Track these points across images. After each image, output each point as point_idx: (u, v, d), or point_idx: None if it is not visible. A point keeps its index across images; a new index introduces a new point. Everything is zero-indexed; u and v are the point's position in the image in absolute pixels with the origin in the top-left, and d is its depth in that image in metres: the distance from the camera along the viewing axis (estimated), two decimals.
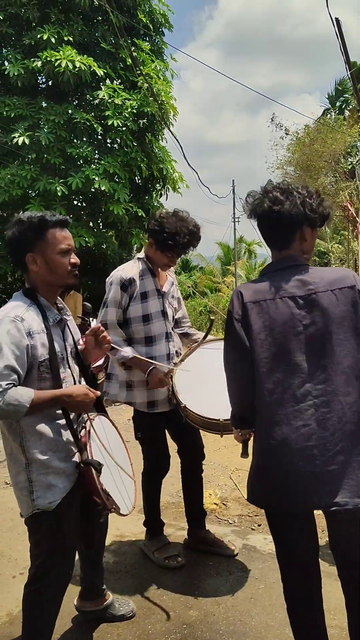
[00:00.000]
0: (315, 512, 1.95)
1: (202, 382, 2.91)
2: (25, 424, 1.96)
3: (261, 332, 1.86)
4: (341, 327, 1.82)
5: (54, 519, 2.03)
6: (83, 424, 2.17)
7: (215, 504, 3.95)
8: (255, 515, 3.78)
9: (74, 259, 2.08)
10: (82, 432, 2.14)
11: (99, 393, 2.08)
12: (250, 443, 2.07)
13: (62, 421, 2.06)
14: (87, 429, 2.13)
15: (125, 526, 3.61)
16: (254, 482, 1.96)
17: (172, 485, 3.91)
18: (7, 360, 1.84)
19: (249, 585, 2.87)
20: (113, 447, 2.29)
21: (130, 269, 2.97)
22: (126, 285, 2.91)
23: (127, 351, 2.87)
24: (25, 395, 1.84)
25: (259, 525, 3.61)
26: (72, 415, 2.10)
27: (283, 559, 2.00)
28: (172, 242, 2.86)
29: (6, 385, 1.82)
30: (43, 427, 1.99)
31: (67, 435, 2.07)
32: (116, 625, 2.58)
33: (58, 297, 2.18)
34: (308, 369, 1.82)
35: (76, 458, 2.10)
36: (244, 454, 2.24)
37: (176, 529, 3.50)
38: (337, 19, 7.04)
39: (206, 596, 2.77)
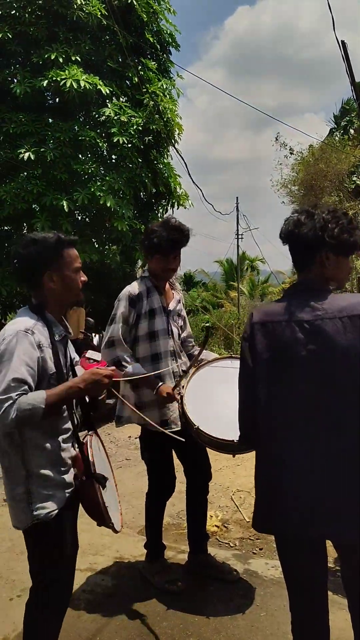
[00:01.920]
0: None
1: (211, 402, 2.91)
2: (27, 438, 1.99)
3: (264, 352, 1.86)
4: (346, 355, 1.77)
5: (53, 530, 2.04)
6: (82, 440, 2.20)
7: (216, 526, 3.89)
8: (257, 539, 3.72)
9: (84, 276, 2.18)
10: (84, 447, 2.17)
11: (111, 369, 2.09)
12: None
13: (64, 435, 2.10)
14: (89, 444, 2.16)
15: (124, 548, 3.56)
16: (256, 508, 1.94)
17: (173, 505, 3.85)
18: (16, 373, 1.86)
19: (250, 613, 2.81)
20: (103, 465, 2.32)
21: (137, 287, 2.99)
22: (135, 300, 2.92)
23: (135, 368, 2.86)
24: (37, 397, 1.86)
25: (261, 549, 3.56)
26: (70, 433, 2.13)
27: (290, 588, 1.96)
28: (160, 240, 2.88)
29: (16, 395, 1.84)
30: (44, 442, 2.02)
31: (67, 449, 2.11)
32: None
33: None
34: (310, 396, 1.79)
35: (73, 470, 2.13)
36: None
37: (177, 552, 3.45)
38: (343, 42, 7.13)
39: (206, 624, 2.72)
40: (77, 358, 2.35)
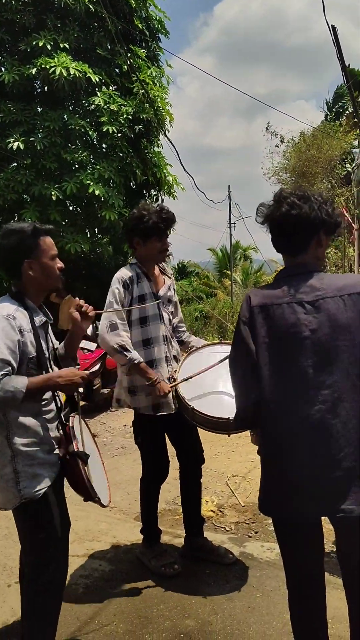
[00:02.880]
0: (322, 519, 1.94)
1: (204, 384, 2.93)
2: (11, 418, 2.06)
3: (266, 336, 1.86)
4: (348, 334, 1.80)
5: (42, 508, 2.10)
6: (65, 421, 2.28)
7: (212, 511, 3.93)
8: (252, 523, 3.76)
9: (60, 263, 2.24)
10: (67, 427, 2.25)
11: (86, 373, 2.21)
12: None
13: (48, 415, 2.18)
14: (71, 424, 2.24)
15: (121, 533, 3.59)
16: (262, 491, 1.95)
17: (168, 492, 3.88)
18: (1, 354, 1.94)
19: (247, 594, 2.85)
20: (88, 444, 2.37)
21: (127, 272, 3.00)
22: (127, 284, 2.95)
23: (136, 356, 2.87)
24: (20, 382, 1.94)
25: (256, 533, 3.59)
26: (55, 412, 2.22)
27: (289, 568, 1.98)
28: (150, 222, 2.92)
29: (1, 375, 1.91)
30: (28, 421, 2.09)
31: (51, 429, 2.18)
32: (112, 634, 2.56)
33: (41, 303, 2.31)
34: (313, 375, 1.80)
35: (57, 451, 2.20)
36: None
37: (173, 537, 3.48)
38: (333, 26, 7.09)
39: (203, 605, 2.75)
40: (58, 345, 2.42)
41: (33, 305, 2.19)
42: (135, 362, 2.85)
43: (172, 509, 3.97)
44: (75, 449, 2.16)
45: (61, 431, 2.23)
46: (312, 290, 1.86)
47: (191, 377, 2.96)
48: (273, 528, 3.58)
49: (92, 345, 7.22)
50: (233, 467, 4.84)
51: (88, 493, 2.18)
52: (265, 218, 1.97)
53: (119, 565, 3.19)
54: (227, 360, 2.93)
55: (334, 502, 1.76)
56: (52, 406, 2.21)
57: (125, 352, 2.84)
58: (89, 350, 7.24)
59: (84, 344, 7.15)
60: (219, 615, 2.67)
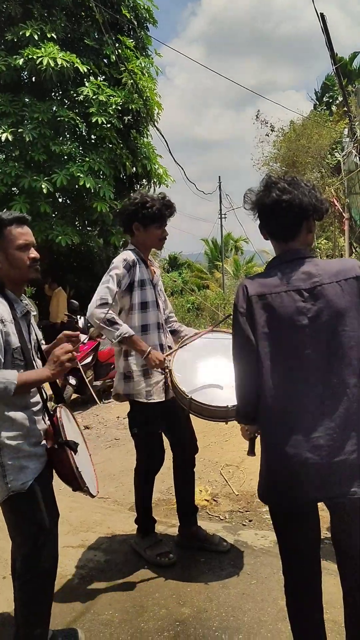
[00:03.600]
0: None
1: (198, 372, 2.93)
2: None
3: (266, 325, 1.84)
4: (346, 318, 1.81)
5: (30, 500, 2.11)
6: (52, 411, 2.27)
7: (205, 500, 3.94)
8: (246, 511, 3.78)
9: (33, 253, 2.17)
10: (54, 418, 2.24)
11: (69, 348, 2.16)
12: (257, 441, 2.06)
13: (35, 408, 2.17)
14: (58, 414, 2.22)
15: (116, 524, 3.60)
16: (264, 479, 1.94)
17: (162, 482, 3.89)
18: None
19: (241, 581, 2.86)
20: (76, 435, 2.38)
21: (131, 255, 2.98)
22: (130, 265, 2.92)
23: (126, 329, 2.84)
24: (10, 375, 1.94)
25: (250, 521, 3.61)
26: (41, 404, 2.21)
27: (286, 554, 1.98)
28: (154, 209, 2.92)
29: None
30: (14, 414, 2.08)
31: (38, 421, 2.18)
32: (108, 624, 2.56)
33: (23, 294, 2.28)
34: (314, 361, 1.81)
35: (44, 442, 2.20)
36: (251, 452, 2.22)
37: (167, 526, 3.49)
38: (322, 14, 7.06)
39: (198, 593, 2.76)
40: (41, 337, 2.41)
41: (14, 296, 2.16)
42: (126, 335, 2.82)
43: (166, 498, 3.98)
44: (65, 439, 2.16)
45: (48, 422, 2.22)
46: (309, 277, 1.86)
47: (185, 344, 2.98)
48: (267, 516, 3.63)
49: (83, 337, 7.20)
50: (226, 457, 4.86)
51: (77, 483, 2.17)
52: (256, 203, 1.96)
53: (113, 556, 3.20)
54: (219, 346, 2.95)
55: (338, 486, 1.77)
56: (38, 398, 2.20)
57: (116, 325, 2.80)
58: (81, 342, 7.21)
59: None
60: (214, 602, 2.68)
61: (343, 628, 2.04)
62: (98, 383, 7.33)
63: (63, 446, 2.14)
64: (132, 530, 3.33)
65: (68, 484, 2.21)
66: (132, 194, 3.08)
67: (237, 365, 1.94)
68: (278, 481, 1.87)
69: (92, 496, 2.30)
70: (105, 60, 9.74)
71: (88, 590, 2.85)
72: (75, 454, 2.15)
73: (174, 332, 3.26)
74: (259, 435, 2.12)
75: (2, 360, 1.99)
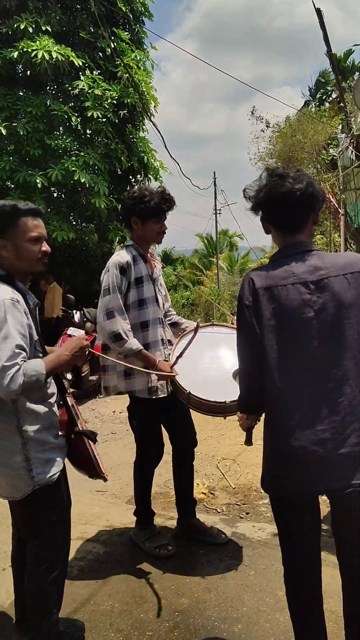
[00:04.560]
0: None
1: (197, 367, 2.94)
2: (20, 405, 2.02)
3: (272, 318, 1.84)
4: (351, 311, 1.82)
5: (55, 492, 2.13)
6: (62, 402, 2.28)
7: (203, 493, 3.96)
8: (244, 504, 3.80)
9: (45, 247, 2.14)
10: (70, 407, 2.27)
11: (85, 336, 2.23)
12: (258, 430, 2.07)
13: (52, 399, 2.17)
14: (71, 404, 2.24)
15: (114, 517, 3.61)
16: (268, 469, 1.95)
17: (159, 475, 3.89)
18: (16, 340, 1.90)
19: (240, 572, 2.89)
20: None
21: (125, 255, 2.96)
22: (124, 268, 2.90)
23: (134, 343, 2.85)
24: (38, 364, 1.94)
25: (247, 514, 3.64)
26: (56, 395, 2.22)
27: (287, 544, 1.99)
28: (152, 203, 2.90)
29: (21, 361, 1.89)
30: (37, 407, 2.07)
31: (56, 413, 2.19)
32: (108, 614, 2.58)
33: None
34: (319, 354, 1.81)
35: (61, 433, 2.21)
36: (249, 441, 2.23)
37: (165, 519, 3.51)
38: (318, 9, 7.05)
39: (197, 584, 2.79)
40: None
41: (24, 287, 2.13)
42: (135, 349, 2.83)
43: (163, 492, 4.00)
44: (81, 429, 2.18)
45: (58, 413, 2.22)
46: (316, 270, 1.86)
47: (184, 351, 2.95)
48: (265, 509, 3.66)
49: (79, 332, 7.20)
50: (223, 450, 4.88)
51: (95, 471, 2.20)
52: (266, 194, 1.94)
53: (112, 548, 3.21)
54: (218, 340, 2.95)
55: (343, 478, 1.78)
56: (54, 389, 2.20)
57: (122, 341, 2.81)
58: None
59: (71, 330, 7.12)
60: (212, 593, 2.71)
61: (341, 618, 2.07)
62: (94, 378, 7.33)
63: (80, 436, 2.16)
64: (131, 522, 3.35)
65: (85, 471, 2.25)
66: (129, 189, 3.07)
67: (242, 358, 1.95)
68: (283, 472, 1.88)
69: (106, 480, 2.34)
70: (100, 54, 9.66)
71: (88, 582, 2.87)
72: (94, 443, 2.18)
73: (174, 325, 3.26)
74: (256, 425, 2.14)
75: (28, 353, 1.96)
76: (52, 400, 2.17)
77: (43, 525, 2.13)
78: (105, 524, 3.51)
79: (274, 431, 1.90)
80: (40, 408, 2.08)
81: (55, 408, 2.17)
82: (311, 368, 1.81)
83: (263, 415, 1.99)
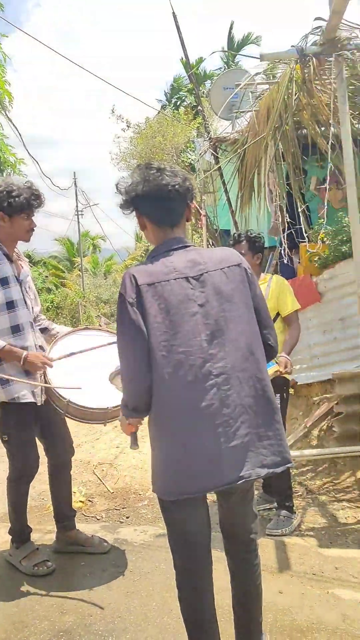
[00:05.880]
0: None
1: (74, 373, 2.79)
2: None
3: (157, 315, 1.80)
4: (233, 304, 1.86)
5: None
6: None
7: (81, 501, 3.84)
8: (123, 508, 3.74)
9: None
10: None
11: None
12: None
13: None
14: None
15: None
16: (159, 472, 1.87)
17: (32, 488, 3.67)
18: None
19: (124, 579, 2.81)
20: None
21: None
22: None
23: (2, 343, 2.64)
24: None
25: (128, 517, 3.58)
26: None
27: (179, 546, 1.94)
28: (22, 198, 2.72)
29: None
30: None
31: None
32: None
33: None
34: (207, 348, 1.80)
35: None
36: (134, 444, 2.13)
37: (43, 533, 3.32)
38: (174, 14, 7.18)
39: (81, 598, 2.65)
40: None
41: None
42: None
43: (38, 504, 3.80)
44: None
45: None
46: (195, 264, 1.88)
47: (74, 354, 2.84)
48: (145, 511, 3.62)
49: None
50: (99, 455, 4.79)
51: None
52: (145, 188, 1.90)
53: None
54: (92, 344, 2.84)
55: (235, 471, 1.78)
56: None
57: None
58: None
59: None
60: (98, 606, 2.59)
61: (229, 612, 2.08)
62: None
63: None
64: (5, 541, 3.12)
65: None
66: None
67: (126, 359, 1.86)
68: (175, 471, 1.82)
69: None
70: None
71: None
72: None
73: (43, 330, 3.08)
74: (139, 428, 2.09)
75: None
76: None
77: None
78: None
79: (164, 431, 1.85)
80: None
81: None
82: (201, 362, 1.79)
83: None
